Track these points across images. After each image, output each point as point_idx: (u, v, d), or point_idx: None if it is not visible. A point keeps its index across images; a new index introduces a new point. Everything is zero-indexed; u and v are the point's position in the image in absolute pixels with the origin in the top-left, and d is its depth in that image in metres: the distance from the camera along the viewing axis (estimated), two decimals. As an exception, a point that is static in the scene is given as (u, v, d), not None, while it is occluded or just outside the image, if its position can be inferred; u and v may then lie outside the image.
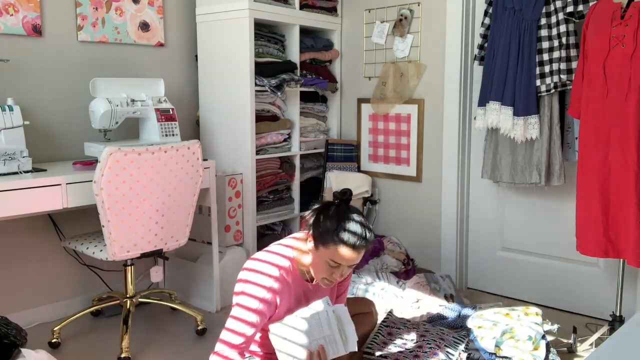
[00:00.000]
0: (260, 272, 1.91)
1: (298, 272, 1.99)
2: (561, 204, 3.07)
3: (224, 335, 1.88)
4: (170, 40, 3.44)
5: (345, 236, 1.85)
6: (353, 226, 1.87)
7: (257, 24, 3.29)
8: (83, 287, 3.14)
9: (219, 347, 1.86)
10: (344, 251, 1.85)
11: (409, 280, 3.19)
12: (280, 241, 2.07)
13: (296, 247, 2.00)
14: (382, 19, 3.61)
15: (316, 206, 1.97)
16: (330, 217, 1.88)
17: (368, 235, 1.88)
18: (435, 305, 2.90)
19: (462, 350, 2.42)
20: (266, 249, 2.03)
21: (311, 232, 1.91)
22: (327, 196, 3.71)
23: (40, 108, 2.91)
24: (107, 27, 3.12)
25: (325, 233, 1.87)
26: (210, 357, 1.86)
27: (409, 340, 2.49)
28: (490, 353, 2.36)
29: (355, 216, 1.90)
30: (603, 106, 2.38)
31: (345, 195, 1.94)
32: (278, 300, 1.91)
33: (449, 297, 3.02)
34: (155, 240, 2.62)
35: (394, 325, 2.61)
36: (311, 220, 1.93)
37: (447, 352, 2.39)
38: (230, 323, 1.88)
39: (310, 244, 1.93)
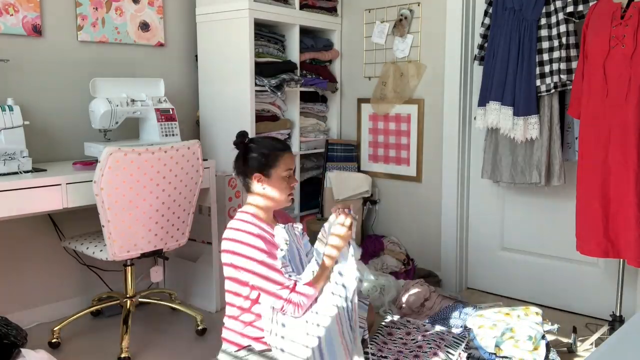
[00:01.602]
0: (241, 232, 2.11)
1: (265, 222, 2.18)
2: (561, 204, 3.07)
3: (270, 289, 2.03)
4: (170, 40, 3.44)
5: (278, 147, 2.22)
6: (274, 140, 2.32)
7: (257, 24, 3.28)
8: (83, 287, 3.14)
9: (288, 303, 2.03)
10: (286, 154, 2.21)
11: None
12: (234, 219, 2.21)
13: (247, 207, 2.22)
14: (382, 19, 3.61)
15: (234, 162, 2.24)
16: (255, 149, 2.19)
17: (279, 139, 2.40)
18: (438, 302, 2.91)
19: (462, 350, 2.42)
20: (230, 225, 2.18)
21: (255, 169, 2.17)
22: (327, 196, 3.71)
23: (40, 108, 2.91)
24: (107, 27, 3.12)
25: (266, 158, 2.17)
26: (286, 306, 2.03)
27: (409, 340, 2.49)
28: (490, 353, 2.36)
29: (263, 136, 2.36)
30: (603, 106, 2.38)
31: (243, 135, 2.23)
32: (270, 236, 2.13)
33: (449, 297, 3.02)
34: (155, 240, 2.62)
35: (394, 325, 2.61)
36: (247, 164, 2.19)
37: (447, 352, 2.39)
38: (261, 282, 2.04)
39: (261, 182, 2.18)
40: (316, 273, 2.07)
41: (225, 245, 2.13)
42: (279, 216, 2.34)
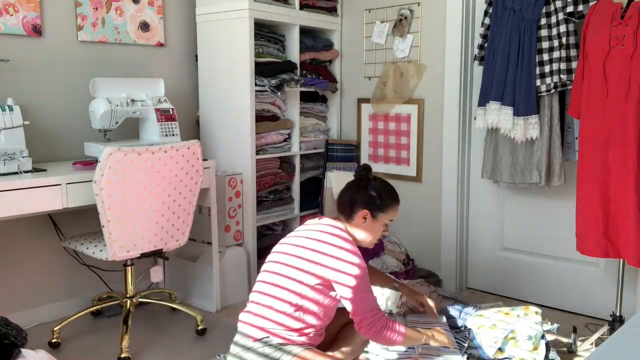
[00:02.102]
0: (342, 242, 2.12)
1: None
2: (561, 204, 3.07)
3: (365, 306, 2.06)
4: (170, 40, 3.44)
5: (395, 196, 2.28)
6: (392, 188, 2.30)
7: (257, 24, 3.28)
8: (83, 287, 3.14)
9: (372, 318, 2.05)
10: (397, 207, 2.29)
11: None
12: (326, 225, 2.20)
13: (345, 228, 2.21)
14: (382, 19, 3.61)
15: (348, 189, 2.27)
16: (377, 189, 2.22)
17: (395, 190, 2.33)
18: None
19: (463, 352, 2.41)
20: (324, 230, 2.17)
21: (366, 206, 2.18)
22: (327, 196, 3.71)
23: (40, 108, 2.91)
24: (107, 27, 3.12)
25: (382, 201, 2.21)
26: (370, 332, 2.05)
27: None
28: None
29: (383, 179, 2.31)
30: (603, 106, 2.38)
31: (367, 169, 2.26)
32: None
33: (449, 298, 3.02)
34: (155, 240, 2.62)
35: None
36: (361, 199, 2.20)
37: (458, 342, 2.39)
38: (357, 296, 2.06)
39: (367, 220, 2.19)
40: (413, 333, 2.14)
41: (313, 245, 2.11)
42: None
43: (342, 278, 2.05)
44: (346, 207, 2.23)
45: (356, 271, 2.05)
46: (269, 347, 2.04)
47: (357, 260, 2.08)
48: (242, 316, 2.15)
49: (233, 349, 2.11)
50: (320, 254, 2.08)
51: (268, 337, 2.05)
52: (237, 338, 2.12)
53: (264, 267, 2.19)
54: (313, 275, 2.07)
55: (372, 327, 2.04)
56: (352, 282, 2.04)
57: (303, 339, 2.07)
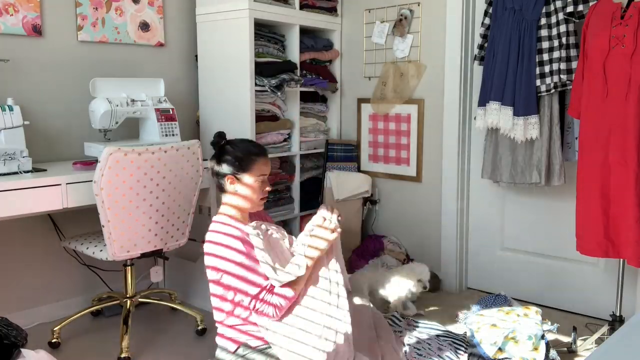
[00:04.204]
0: (219, 233, 2.16)
1: (241, 222, 2.20)
2: (561, 204, 3.07)
3: (247, 290, 2.06)
4: (170, 40, 3.44)
5: (255, 151, 2.25)
6: (251, 144, 2.31)
7: (257, 24, 3.28)
8: (83, 287, 3.14)
9: (261, 306, 2.05)
10: (261, 160, 2.24)
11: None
12: (213, 222, 2.24)
13: (222, 208, 2.25)
14: (382, 19, 3.61)
15: (211, 160, 2.28)
16: (230, 152, 2.22)
17: (257, 143, 2.37)
18: None
19: (463, 351, 2.42)
20: (209, 230, 2.22)
21: (228, 172, 2.21)
22: (327, 196, 3.71)
23: (40, 108, 2.91)
24: (107, 27, 3.12)
25: (240, 161, 2.20)
26: (263, 307, 2.04)
27: (406, 345, 2.47)
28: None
29: (241, 139, 2.33)
30: (603, 106, 2.38)
31: (220, 136, 2.27)
32: (244, 236, 2.12)
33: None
34: (155, 240, 2.62)
35: (397, 328, 2.61)
36: (221, 166, 2.23)
37: (456, 350, 2.39)
38: (239, 283, 2.08)
39: (234, 184, 2.21)
40: (295, 273, 2.05)
41: (205, 248, 2.16)
42: (256, 217, 2.35)
43: (220, 271, 2.11)
44: (216, 181, 2.28)
45: (226, 255, 2.08)
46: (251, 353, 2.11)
47: (220, 245, 2.11)
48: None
49: None
50: (208, 257, 2.16)
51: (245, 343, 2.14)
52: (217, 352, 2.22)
53: None
54: (215, 283, 2.16)
55: (274, 313, 2.04)
56: (228, 267, 2.08)
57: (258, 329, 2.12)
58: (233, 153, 2.22)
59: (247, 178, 2.21)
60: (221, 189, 2.26)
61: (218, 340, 2.21)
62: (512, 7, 2.87)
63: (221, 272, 2.10)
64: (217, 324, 2.21)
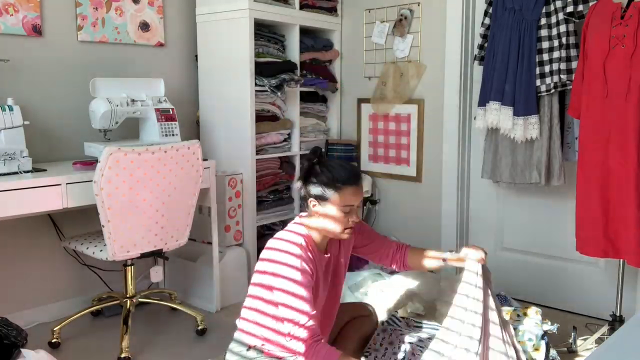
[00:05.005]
0: (287, 245, 1.95)
1: (314, 246, 2.02)
2: (561, 204, 3.07)
3: (291, 317, 1.86)
4: (170, 40, 3.44)
5: (344, 177, 1.98)
6: (342, 169, 2.01)
7: (257, 24, 3.28)
8: (83, 287, 3.14)
9: (294, 331, 1.86)
10: (349, 189, 1.97)
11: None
12: (290, 224, 2.09)
13: (305, 223, 2.05)
14: (382, 19, 3.61)
15: (299, 177, 2.08)
16: (317, 174, 2.00)
17: (356, 168, 2.09)
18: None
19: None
20: (280, 233, 2.05)
21: (312, 194, 2.00)
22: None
23: (40, 108, 2.91)
24: (107, 27, 3.12)
25: (324, 187, 1.97)
26: (295, 345, 1.85)
27: (407, 343, 2.47)
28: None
29: (337, 161, 2.08)
30: (603, 106, 2.38)
31: (314, 152, 2.06)
32: (311, 267, 1.94)
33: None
34: (155, 240, 2.62)
35: (394, 332, 2.61)
36: (307, 187, 2.02)
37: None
38: (285, 305, 1.88)
39: (317, 207, 2.00)
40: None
41: (264, 254, 1.99)
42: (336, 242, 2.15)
43: (274, 281, 1.91)
44: (304, 198, 2.08)
45: (288, 273, 1.89)
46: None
47: (290, 262, 1.90)
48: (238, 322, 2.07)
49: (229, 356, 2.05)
50: (263, 262, 1.98)
51: (264, 344, 1.98)
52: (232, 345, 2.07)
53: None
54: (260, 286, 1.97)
55: (297, 348, 1.85)
56: (284, 284, 1.89)
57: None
58: (319, 176, 2.00)
59: (329, 207, 1.98)
60: (307, 208, 2.07)
61: (237, 336, 2.08)
62: (512, 7, 2.87)
63: (271, 281, 1.94)
64: (242, 322, 2.06)
